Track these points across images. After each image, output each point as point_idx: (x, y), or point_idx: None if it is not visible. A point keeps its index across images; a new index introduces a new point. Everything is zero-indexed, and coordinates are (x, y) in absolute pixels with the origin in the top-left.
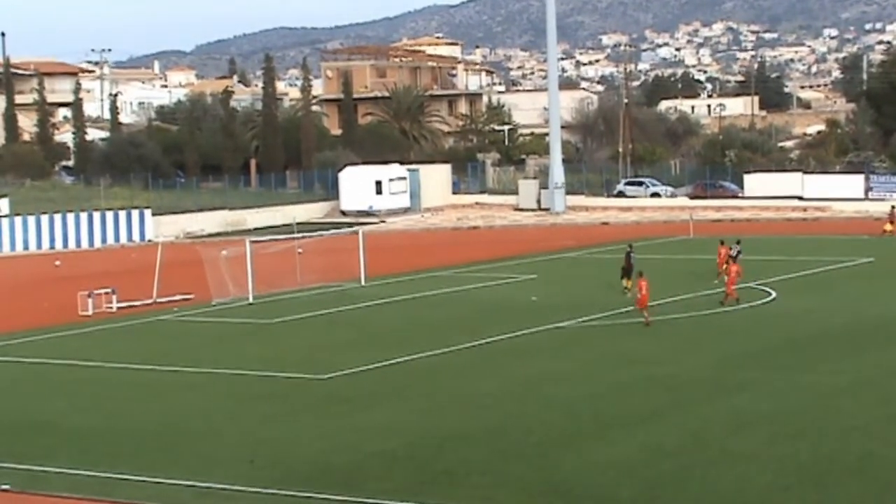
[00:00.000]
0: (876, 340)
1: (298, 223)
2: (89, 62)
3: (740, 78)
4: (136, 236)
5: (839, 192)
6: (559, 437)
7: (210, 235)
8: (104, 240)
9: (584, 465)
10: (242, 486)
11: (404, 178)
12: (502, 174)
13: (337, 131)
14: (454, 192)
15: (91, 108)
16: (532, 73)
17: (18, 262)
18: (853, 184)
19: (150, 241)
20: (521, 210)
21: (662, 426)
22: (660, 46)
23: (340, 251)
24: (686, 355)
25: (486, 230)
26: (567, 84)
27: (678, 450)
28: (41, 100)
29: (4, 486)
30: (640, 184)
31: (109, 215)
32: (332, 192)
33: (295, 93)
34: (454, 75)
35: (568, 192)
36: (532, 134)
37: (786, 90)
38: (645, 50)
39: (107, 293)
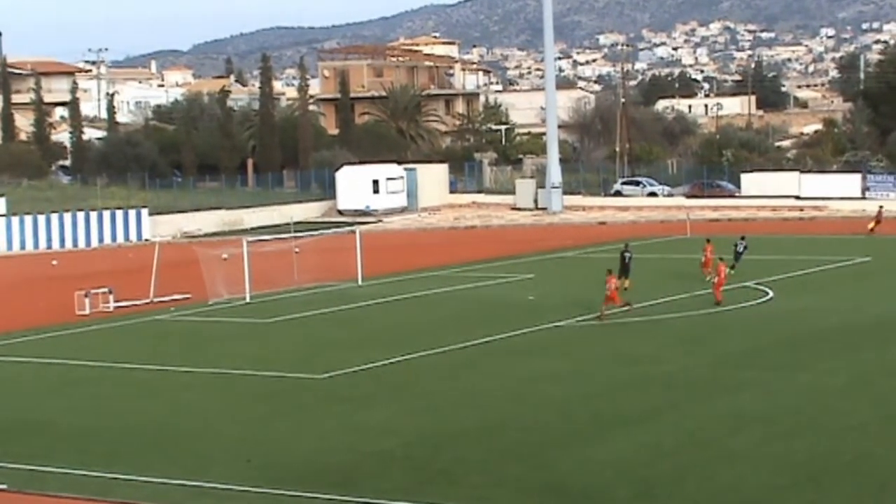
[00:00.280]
0: (873, 340)
1: (295, 223)
2: (86, 62)
3: (737, 77)
4: (132, 236)
5: (836, 192)
6: (556, 437)
7: (207, 235)
8: (101, 239)
9: (582, 464)
10: (239, 486)
11: (401, 178)
12: (499, 174)
13: (334, 131)
14: (451, 192)
15: (88, 108)
16: (529, 73)
17: (15, 261)
18: (850, 183)
19: (146, 240)
20: (519, 209)
21: (659, 426)
22: (657, 46)
23: (337, 251)
24: (683, 355)
25: (483, 230)
26: (564, 83)
27: (675, 449)
28: (38, 99)
29: (1, 486)
30: (637, 183)
31: (106, 215)
32: (328, 191)
33: (292, 92)
34: (451, 75)
35: (565, 192)
36: (529, 133)
37: (783, 89)
38: (642, 49)
39: (104, 293)
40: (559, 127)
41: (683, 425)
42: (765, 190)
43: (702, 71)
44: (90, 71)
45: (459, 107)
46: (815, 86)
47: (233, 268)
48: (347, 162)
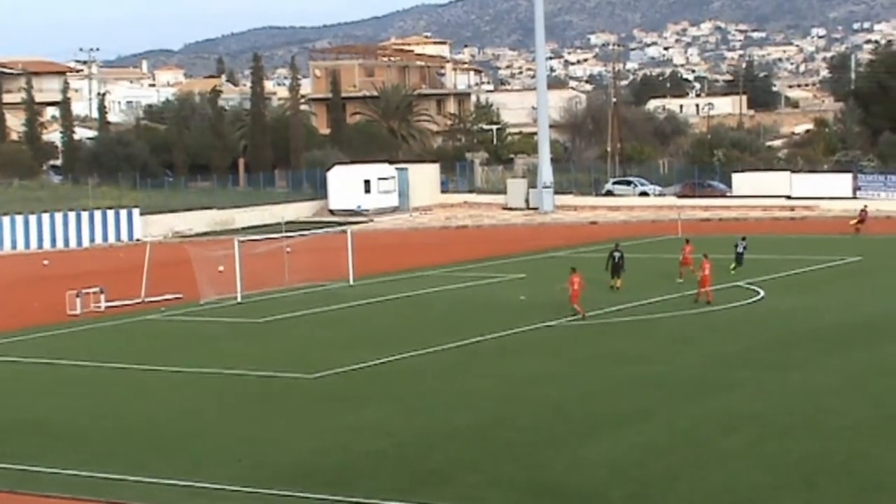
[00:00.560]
0: (865, 339)
1: (287, 222)
2: (77, 61)
3: (728, 77)
4: (124, 236)
5: (827, 192)
6: (549, 437)
7: (198, 235)
8: (92, 239)
9: (575, 464)
10: (231, 486)
11: (393, 178)
12: (491, 173)
13: (325, 130)
14: (443, 192)
15: (79, 108)
16: (520, 73)
17: (6, 261)
18: (841, 183)
19: (138, 240)
20: (510, 209)
21: (652, 425)
22: (648, 46)
23: (329, 250)
24: (675, 354)
25: (474, 229)
26: (555, 83)
27: (668, 449)
28: (29, 99)
29: None
30: (629, 183)
31: (97, 214)
32: (320, 191)
33: (283, 92)
34: (443, 74)
35: (556, 192)
36: (520, 133)
37: (774, 89)
38: (633, 49)
39: (95, 293)
40: (550, 127)
41: (676, 425)
42: (756, 190)
43: (693, 71)
44: (81, 70)
45: (451, 106)
46: (806, 86)
47: (224, 267)
48: (339, 162)
